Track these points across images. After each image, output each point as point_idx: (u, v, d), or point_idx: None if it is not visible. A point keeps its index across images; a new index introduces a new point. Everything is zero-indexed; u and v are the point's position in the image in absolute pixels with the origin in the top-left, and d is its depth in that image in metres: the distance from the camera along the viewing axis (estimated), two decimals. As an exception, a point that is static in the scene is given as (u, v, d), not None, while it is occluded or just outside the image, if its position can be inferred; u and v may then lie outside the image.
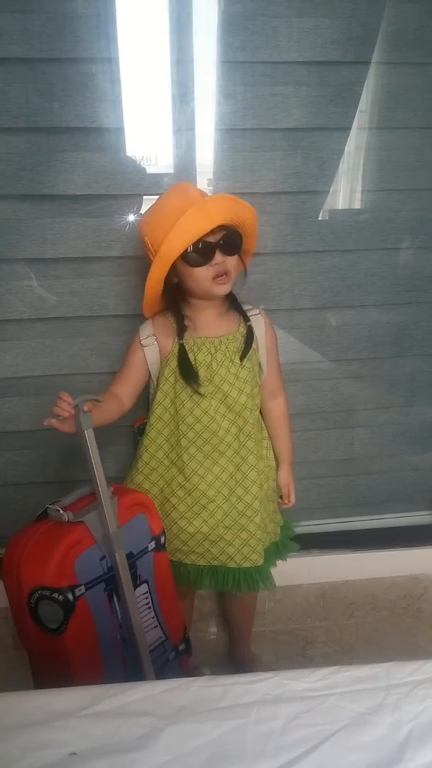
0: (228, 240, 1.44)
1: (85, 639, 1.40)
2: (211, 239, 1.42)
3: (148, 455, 1.62)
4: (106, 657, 1.45)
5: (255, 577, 1.66)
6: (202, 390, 1.54)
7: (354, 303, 1.93)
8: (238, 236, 1.47)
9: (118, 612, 1.48)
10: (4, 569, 1.42)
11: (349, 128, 1.75)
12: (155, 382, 1.61)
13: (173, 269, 1.47)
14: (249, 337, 1.57)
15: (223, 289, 1.49)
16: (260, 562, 1.63)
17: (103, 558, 1.44)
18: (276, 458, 1.73)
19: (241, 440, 1.59)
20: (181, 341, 1.55)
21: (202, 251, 1.43)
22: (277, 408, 1.71)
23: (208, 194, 1.47)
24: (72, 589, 1.35)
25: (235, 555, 1.62)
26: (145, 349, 1.58)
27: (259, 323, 1.61)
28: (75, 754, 1.01)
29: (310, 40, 1.63)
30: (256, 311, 1.62)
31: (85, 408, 1.35)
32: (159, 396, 1.58)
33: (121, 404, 1.58)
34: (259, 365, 1.63)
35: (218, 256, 1.44)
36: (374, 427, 2.11)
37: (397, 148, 1.78)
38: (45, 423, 1.33)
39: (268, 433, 1.71)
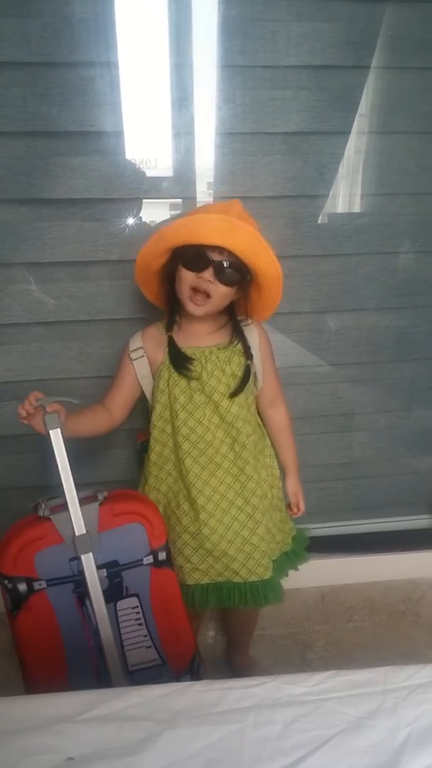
0: (227, 268, 1.41)
1: (41, 635, 1.40)
2: (214, 256, 1.41)
3: (157, 468, 1.62)
4: (72, 660, 1.43)
5: (262, 591, 1.61)
6: (195, 377, 1.53)
7: (353, 307, 1.93)
8: (243, 273, 1.44)
9: (92, 618, 1.43)
10: None
11: (349, 132, 1.75)
12: (150, 396, 1.61)
13: (173, 259, 1.46)
14: (245, 375, 1.55)
15: (194, 309, 1.47)
16: (267, 576, 1.59)
17: (73, 559, 1.41)
18: (281, 467, 1.71)
19: (237, 450, 1.57)
20: (170, 333, 1.56)
21: (197, 256, 1.41)
22: (277, 417, 1.70)
23: (247, 225, 1.43)
24: (28, 580, 1.37)
25: (240, 570, 1.59)
26: (134, 362, 1.58)
27: (252, 334, 1.60)
28: (72, 759, 1.01)
29: (309, 44, 1.63)
30: (248, 321, 1.60)
31: (49, 409, 1.37)
32: (159, 409, 1.58)
33: (110, 416, 1.59)
34: (254, 375, 1.61)
35: (208, 274, 1.42)
36: (373, 431, 2.12)
37: (397, 152, 1.79)
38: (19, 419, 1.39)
39: (271, 443, 1.70)
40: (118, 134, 1.66)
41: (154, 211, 1.75)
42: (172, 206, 1.79)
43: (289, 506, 1.75)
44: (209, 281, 1.42)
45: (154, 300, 1.64)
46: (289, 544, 1.74)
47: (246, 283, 1.49)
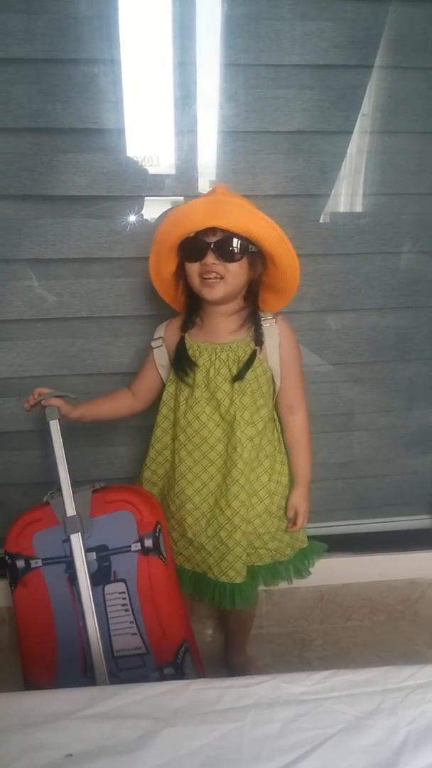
0: (225, 244, 1.41)
1: (35, 610, 1.51)
2: (209, 239, 1.41)
3: (155, 452, 1.65)
4: (62, 638, 1.51)
5: (229, 594, 1.60)
6: (190, 384, 1.54)
7: (354, 306, 1.93)
8: (244, 246, 1.42)
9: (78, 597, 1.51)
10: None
11: (351, 132, 1.75)
12: (165, 384, 1.63)
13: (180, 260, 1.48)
14: (250, 358, 1.52)
15: (210, 292, 1.46)
16: (237, 580, 1.58)
17: (66, 541, 1.50)
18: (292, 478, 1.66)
19: (229, 452, 1.56)
20: (183, 334, 1.56)
21: (193, 246, 1.43)
22: (294, 424, 1.64)
23: (231, 198, 1.44)
24: (26, 558, 1.51)
25: (213, 567, 1.60)
26: (154, 350, 1.61)
27: (271, 333, 1.56)
28: (71, 755, 1.01)
29: (313, 43, 1.63)
30: (271, 320, 1.57)
31: (44, 402, 1.53)
32: (165, 396, 1.61)
33: (133, 401, 1.66)
34: (271, 377, 1.58)
35: (210, 258, 1.42)
36: (373, 431, 2.11)
37: (399, 152, 1.79)
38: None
39: (286, 450, 1.66)
40: (121, 132, 1.65)
41: (156, 209, 1.75)
42: (174, 204, 1.79)
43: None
44: (214, 264, 1.42)
45: (178, 306, 1.63)
46: (288, 555, 1.70)
47: (255, 256, 1.47)
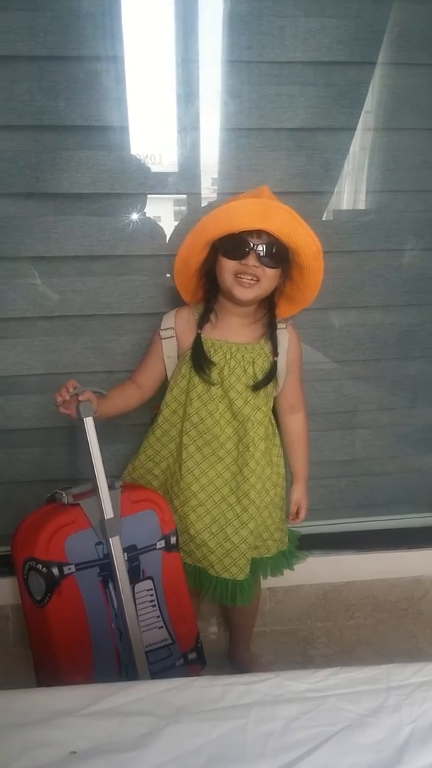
0: (268, 249, 1.41)
1: (71, 617, 1.45)
2: (254, 240, 1.41)
3: (160, 444, 1.64)
4: (97, 643, 1.49)
5: (230, 591, 1.62)
6: (212, 382, 1.54)
7: (358, 304, 1.92)
8: (285, 253, 1.44)
9: (114, 601, 1.50)
10: (13, 546, 1.52)
11: (355, 129, 1.74)
12: (170, 375, 1.62)
13: (213, 252, 1.47)
14: (271, 371, 1.56)
15: (243, 292, 1.46)
16: (240, 577, 1.60)
17: (98, 543, 1.48)
18: (291, 472, 1.71)
19: (240, 450, 1.57)
20: (199, 331, 1.56)
21: (237, 244, 1.42)
22: (295, 424, 1.69)
23: (280, 204, 1.44)
24: (59, 565, 1.42)
25: (215, 563, 1.61)
26: (163, 341, 1.59)
27: (282, 339, 1.59)
28: (75, 752, 1.01)
29: (316, 40, 1.63)
30: (284, 326, 1.60)
31: (81, 398, 1.43)
32: (176, 391, 1.59)
33: (140, 392, 1.64)
34: (276, 379, 1.60)
35: (251, 259, 1.42)
36: (377, 429, 2.11)
37: (403, 149, 1.78)
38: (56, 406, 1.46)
39: (285, 448, 1.69)
40: (124, 129, 1.65)
41: (158, 207, 1.75)
42: (177, 202, 1.79)
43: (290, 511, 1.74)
44: (255, 266, 1.43)
45: (191, 300, 1.63)
46: (287, 543, 1.75)
47: (288, 264, 1.48)
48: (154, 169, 1.71)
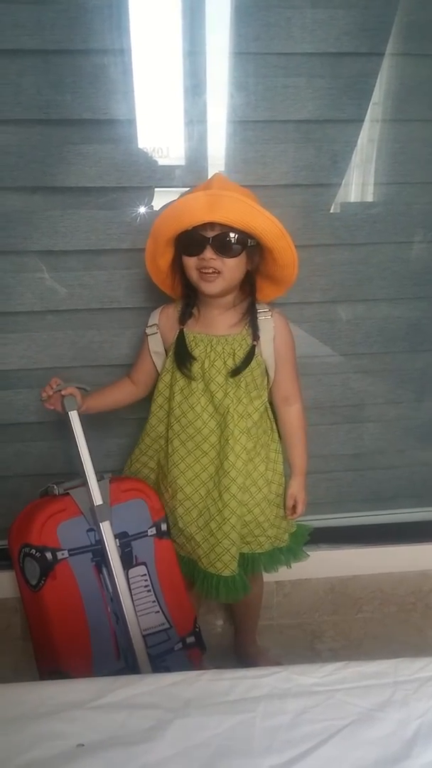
0: (223, 239, 1.40)
1: (66, 601, 1.51)
2: (207, 233, 1.40)
3: (150, 439, 1.67)
4: (94, 626, 1.53)
5: (215, 586, 1.60)
6: (192, 377, 1.54)
7: (365, 297, 1.92)
8: (243, 240, 1.41)
9: (108, 585, 1.55)
10: (9, 538, 1.60)
11: (362, 120, 1.73)
12: (160, 371, 1.63)
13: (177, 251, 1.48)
14: (248, 355, 1.53)
15: (208, 287, 1.46)
16: (225, 573, 1.58)
17: (90, 530, 1.55)
18: (290, 468, 1.69)
19: (222, 444, 1.56)
20: (181, 326, 1.56)
21: (191, 240, 1.41)
22: (290, 416, 1.66)
23: (230, 192, 1.41)
24: (53, 550, 1.49)
25: (202, 557, 1.61)
26: (148, 337, 1.62)
27: (267, 326, 1.56)
28: (82, 745, 1.02)
29: (324, 31, 1.61)
30: (268, 314, 1.57)
31: (64, 392, 1.54)
32: (161, 386, 1.61)
33: (134, 389, 1.69)
34: (265, 369, 1.58)
35: (208, 253, 1.41)
36: (384, 422, 2.11)
37: (411, 140, 1.77)
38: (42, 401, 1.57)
39: (283, 440, 1.68)
40: (131, 122, 1.65)
41: (166, 200, 1.74)
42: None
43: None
44: (212, 259, 1.41)
45: (176, 296, 1.63)
46: (285, 540, 1.72)
47: (254, 249, 1.46)
48: (162, 162, 1.70)
